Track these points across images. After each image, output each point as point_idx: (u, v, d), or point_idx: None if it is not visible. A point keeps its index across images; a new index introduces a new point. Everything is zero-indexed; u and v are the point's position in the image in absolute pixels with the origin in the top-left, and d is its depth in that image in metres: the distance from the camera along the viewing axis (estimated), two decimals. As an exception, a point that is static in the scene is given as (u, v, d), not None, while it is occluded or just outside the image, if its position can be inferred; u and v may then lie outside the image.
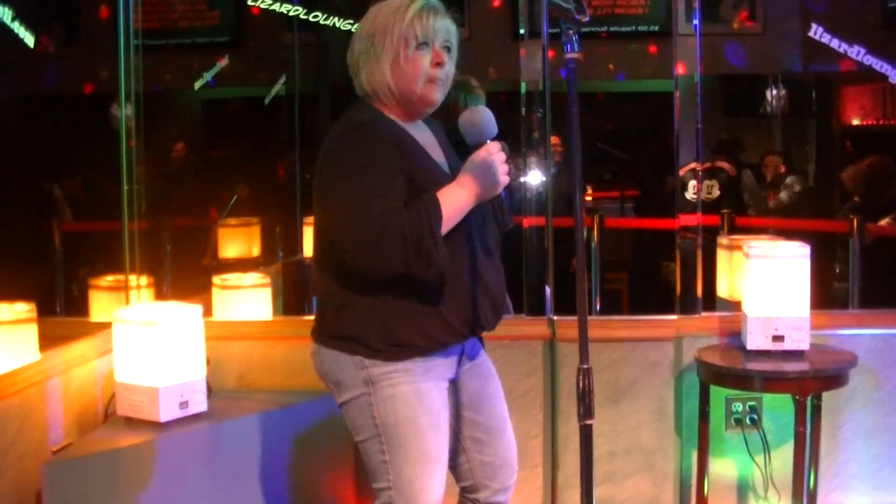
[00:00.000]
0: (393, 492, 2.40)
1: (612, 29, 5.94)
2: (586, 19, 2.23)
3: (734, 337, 3.62)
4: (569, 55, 2.23)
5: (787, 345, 3.38)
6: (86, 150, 4.21)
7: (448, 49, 2.42)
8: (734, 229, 5.13)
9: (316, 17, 5.11)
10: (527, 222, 3.76)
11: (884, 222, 5.19)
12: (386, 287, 2.31)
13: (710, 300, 3.93)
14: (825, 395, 3.51)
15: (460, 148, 2.45)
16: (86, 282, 3.89)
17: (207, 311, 3.71)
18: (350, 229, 2.24)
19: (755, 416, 3.64)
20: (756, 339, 3.41)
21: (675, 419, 3.71)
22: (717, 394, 3.58)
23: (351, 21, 4.75)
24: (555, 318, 3.72)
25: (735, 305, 3.72)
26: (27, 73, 4.13)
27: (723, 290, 3.95)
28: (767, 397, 3.62)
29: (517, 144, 3.74)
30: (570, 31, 2.24)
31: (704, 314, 3.76)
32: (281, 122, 5.60)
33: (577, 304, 2.24)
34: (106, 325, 3.40)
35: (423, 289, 2.33)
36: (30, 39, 3.83)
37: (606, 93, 7.42)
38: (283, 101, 5.55)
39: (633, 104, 7.38)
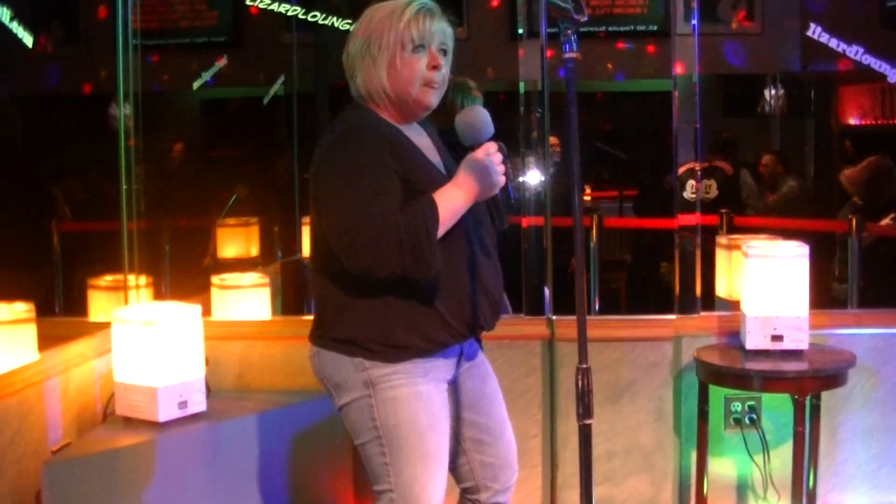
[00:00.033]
0: (394, 493, 2.40)
1: (610, 29, 5.94)
2: (585, 19, 2.22)
3: (733, 336, 3.62)
4: (567, 55, 2.23)
5: (786, 344, 3.38)
6: (85, 149, 4.21)
7: (444, 52, 2.42)
8: (733, 229, 5.13)
9: (314, 16, 5.11)
10: (525, 222, 3.77)
11: (884, 222, 5.19)
12: (385, 288, 2.31)
13: (709, 300, 3.93)
14: (824, 395, 3.51)
15: (455, 149, 2.45)
16: (85, 282, 3.88)
17: (206, 311, 3.71)
18: (349, 230, 2.24)
19: (754, 416, 3.64)
20: (755, 339, 3.41)
21: (674, 419, 3.71)
22: (716, 393, 3.58)
23: (349, 21, 4.74)
24: (554, 317, 3.72)
25: (734, 305, 3.72)
26: (26, 72, 4.13)
27: (722, 289, 3.95)
28: (766, 397, 3.62)
29: (516, 144, 3.74)
30: (569, 31, 2.24)
31: (703, 314, 3.76)
32: (280, 121, 5.60)
33: (575, 303, 2.24)
34: (105, 325, 3.40)
35: (423, 289, 2.33)
36: (29, 39, 3.83)
37: (605, 93, 7.43)
38: (281, 101, 5.55)
39: (631, 104, 7.38)
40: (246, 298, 3.94)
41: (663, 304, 3.85)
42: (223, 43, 5.59)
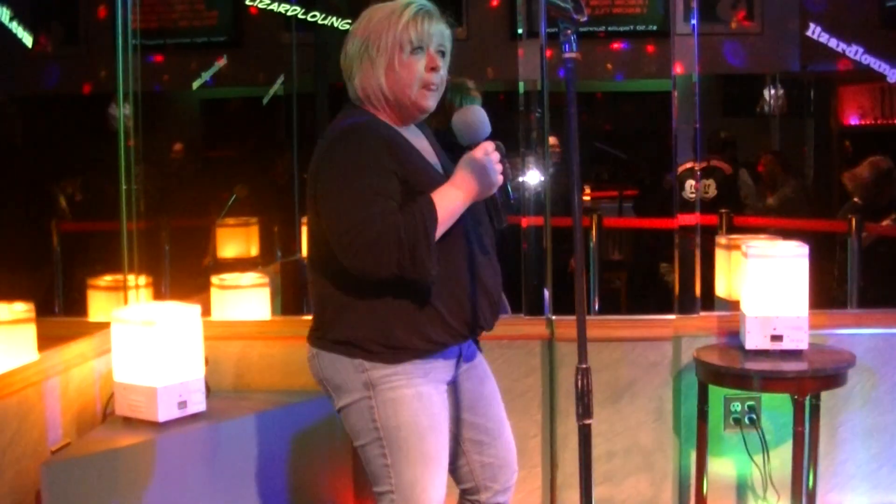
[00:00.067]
0: (395, 495, 2.39)
1: (610, 29, 5.94)
2: (584, 19, 2.22)
3: (733, 336, 3.62)
4: (567, 55, 2.23)
5: (786, 344, 3.38)
6: (85, 150, 4.21)
7: (442, 53, 2.41)
8: (732, 229, 5.13)
9: (314, 16, 5.12)
10: (525, 222, 3.77)
11: (885, 223, 5.19)
12: (385, 289, 2.31)
13: (709, 300, 3.93)
14: (824, 395, 3.51)
15: (454, 150, 2.44)
16: (84, 282, 3.88)
17: (206, 311, 3.71)
18: (349, 230, 2.23)
19: (754, 416, 3.64)
20: (755, 339, 3.41)
21: (673, 419, 3.71)
22: (716, 393, 3.58)
23: (349, 21, 4.75)
24: (553, 317, 3.72)
25: (734, 305, 3.72)
26: (26, 72, 4.13)
27: (721, 289, 3.96)
28: (766, 397, 3.62)
29: (516, 144, 3.74)
30: (569, 31, 2.23)
31: (703, 314, 3.76)
32: (279, 122, 5.60)
33: (575, 303, 2.24)
34: (104, 325, 3.40)
35: (423, 290, 2.33)
36: (28, 39, 3.83)
37: (605, 93, 7.43)
38: (281, 101, 5.55)
39: (631, 104, 7.39)
40: (245, 298, 3.94)
41: (663, 304, 3.85)
42: (223, 43, 5.58)
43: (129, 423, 3.23)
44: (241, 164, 5.90)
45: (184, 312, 3.29)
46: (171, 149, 5.63)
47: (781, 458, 3.58)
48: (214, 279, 3.99)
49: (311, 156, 2.40)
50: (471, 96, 3.63)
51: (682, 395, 3.69)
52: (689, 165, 4.43)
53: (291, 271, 5.15)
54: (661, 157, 4.60)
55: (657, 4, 5.83)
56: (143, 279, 3.78)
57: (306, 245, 2.53)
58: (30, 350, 3.11)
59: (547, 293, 3.74)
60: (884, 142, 6.49)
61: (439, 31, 2.39)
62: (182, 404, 3.22)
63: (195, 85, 5.31)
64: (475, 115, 2.36)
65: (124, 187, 3.72)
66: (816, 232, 5.44)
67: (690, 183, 4.34)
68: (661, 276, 5.32)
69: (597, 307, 4.30)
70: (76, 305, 3.96)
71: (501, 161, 2.35)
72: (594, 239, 4.48)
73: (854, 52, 4.30)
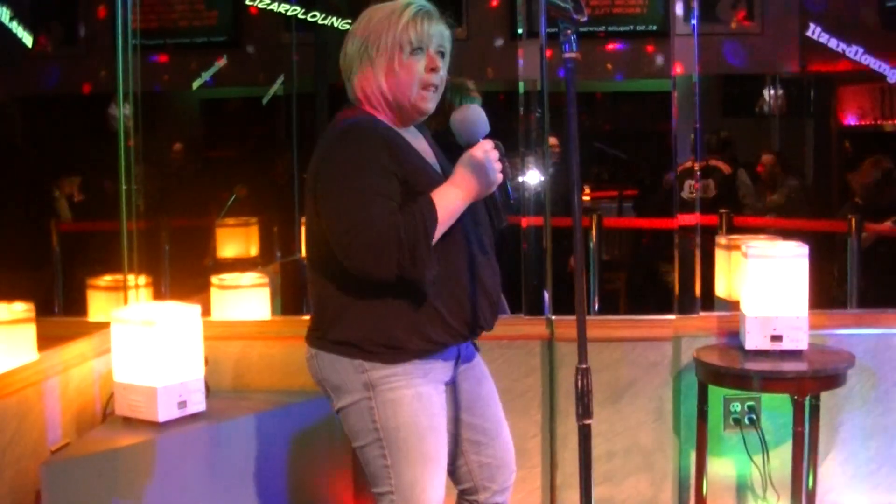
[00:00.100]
0: (395, 496, 2.39)
1: (610, 29, 5.93)
2: (584, 19, 2.22)
3: (733, 337, 3.62)
4: (567, 55, 2.23)
5: (786, 344, 3.38)
6: (84, 150, 4.21)
7: (442, 54, 2.41)
8: (732, 229, 5.13)
9: (314, 16, 5.11)
10: (525, 222, 3.77)
11: (887, 224, 5.19)
12: (385, 289, 2.31)
13: (709, 300, 3.93)
14: (823, 395, 3.51)
15: (453, 150, 2.44)
16: (84, 282, 3.88)
17: (206, 311, 3.71)
18: (349, 230, 2.23)
19: (754, 416, 3.64)
20: (754, 339, 3.41)
21: (673, 419, 3.71)
22: (716, 393, 3.58)
23: (349, 21, 4.75)
24: (553, 317, 3.72)
25: (733, 305, 3.72)
26: (26, 72, 4.13)
27: (721, 289, 3.96)
28: (766, 397, 3.62)
29: (515, 144, 3.74)
30: (569, 31, 2.23)
31: (703, 314, 3.76)
32: (279, 122, 5.60)
33: (575, 303, 2.24)
34: (104, 325, 3.40)
35: (423, 290, 2.32)
36: (28, 39, 3.83)
37: (605, 93, 7.42)
38: (281, 101, 5.55)
39: (631, 104, 7.38)
40: (245, 298, 3.94)
41: (663, 304, 3.85)
42: (223, 43, 5.58)
43: (129, 423, 3.23)
44: (241, 164, 5.90)
45: (184, 312, 3.29)
46: (171, 149, 5.63)
47: (781, 458, 3.58)
48: (214, 279, 3.99)
49: (311, 156, 2.40)
50: (470, 96, 3.62)
51: (682, 395, 3.69)
52: (688, 165, 4.43)
53: (291, 271, 5.15)
54: (661, 157, 4.60)
55: (657, 4, 5.82)
56: (142, 279, 3.79)
57: (306, 245, 2.52)
58: (29, 350, 3.11)
59: (547, 293, 3.74)
60: (884, 142, 6.50)
61: (439, 32, 2.39)
62: (182, 404, 3.22)
63: (195, 85, 5.31)
64: (473, 114, 2.36)
65: (124, 187, 3.72)
66: (816, 232, 5.44)
67: (689, 183, 4.34)
68: (660, 276, 5.31)
69: (597, 307, 4.29)
70: (76, 305, 3.96)
71: (501, 160, 2.35)
72: (594, 239, 4.48)
73: (854, 52, 4.29)
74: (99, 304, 3.80)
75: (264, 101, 5.56)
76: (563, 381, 3.67)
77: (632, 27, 5.89)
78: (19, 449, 2.98)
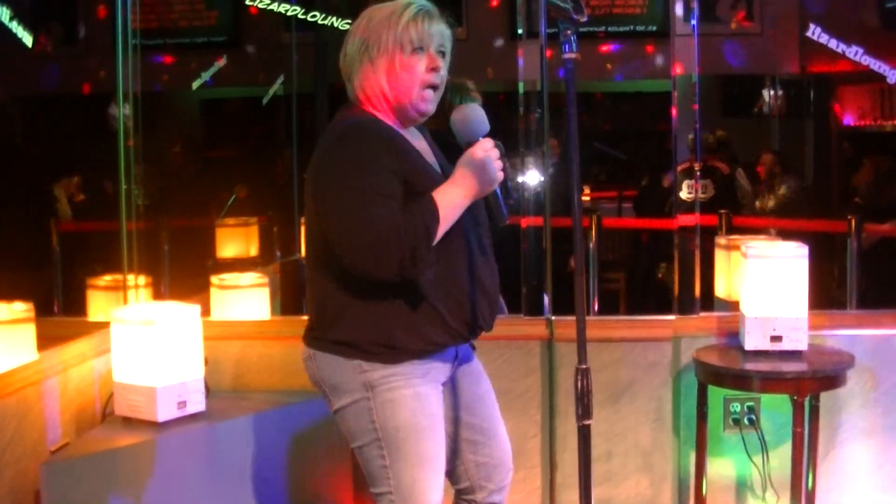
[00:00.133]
0: (394, 496, 2.39)
1: (610, 29, 5.93)
2: (584, 19, 2.22)
3: (732, 337, 3.62)
4: (567, 55, 2.23)
5: (785, 345, 3.38)
6: (84, 149, 4.21)
7: (443, 54, 2.41)
8: (732, 229, 5.13)
9: (314, 16, 5.11)
10: (525, 222, 3.77)
11: (887, 226, 5.19)
12: (385, 289, 2.31)
13: (708, 300, 3.93)
14: (823, 396, 3.51)
15: (453, 150, 2.44)
16: (84, 282, 3.88)
17: (205, 311, 3.71)
18: (349, 230, 2.23)
19: (753, 417, 3.64)
20: (754, 340, 3.41)
21: (673, 419, 3.71)
22: (716, 394, 3.58)
23: (349, 21, 4.74)
24: (553, 318, 3.72)
25: (733, 305, 3.72)
26: (26, 72, 4.13)
27: (721, 290, 3.96)
28: (765, 397, 3.62)
29: (515, 145, 3.74)
30: (568, 31, 2.23)
31: (702, 314, 3.76)
32: (279, 122, 5.60)
33: (575, 304, 2.24)
34: (104, 325, 3.40)
35: (422, 290, 2.32)
36: (28, 39, 3.83)
37: (604, 93, 7.42)
38: (281, 101, 5.55)
39: (630, 104, 7.38)
40: (245, 298, 3.94)
41: (662, 304, 3.85)
42: (222, 43, 5.58)
43: (129, 422, 3.23)
44: (241, 164, 5.89)
45: (183, 312, 3.29)
46: (171, 149, 5.62)
47: (781, 458, 3.58)
48: (214, 279, 3.99)
49: (311, 156, 2.40)
50: (470, 96, 3.63)
51: (682, 395, 3.69)
52: (687, 165, 4.43)
53: (291, 271, 5.15)
54: (661, 158, 4.60)
55: (657, 5, 5.82)
56: (142, 279, 3.78)
57: (305, 245, 2.52)
58: (29, 350, 3.11)
59: (546, 294, 3.74)
60: (883, 143, 6.50)
61: (439, 32, 2.39)
62: (181, 404, 3.22)
63: (195, 85, 5.31)
64: (473, 113, 2.36)
65: (124, 187, 3.72)
66: (816, 232, 5.44)
67: (688, 183, 4.34)
68: (660, 276, 5.31)
69: (596, 308, 4.29)
70: (76, 305, 3.96)
71: (501, 158, 2.35)
72: (593, 239, 4.48)
73: (854, 52, 4.29)
74: (99, 304, 3.80)
75: (264, 101, 5.56)
76: (562, 381, 3.67)
77: (632, 27, 5.89)
78: (19, 449, 2.98)
